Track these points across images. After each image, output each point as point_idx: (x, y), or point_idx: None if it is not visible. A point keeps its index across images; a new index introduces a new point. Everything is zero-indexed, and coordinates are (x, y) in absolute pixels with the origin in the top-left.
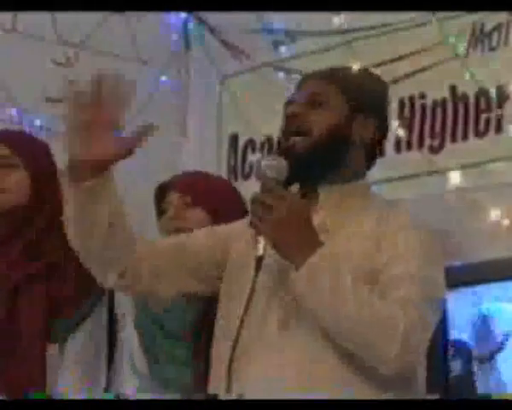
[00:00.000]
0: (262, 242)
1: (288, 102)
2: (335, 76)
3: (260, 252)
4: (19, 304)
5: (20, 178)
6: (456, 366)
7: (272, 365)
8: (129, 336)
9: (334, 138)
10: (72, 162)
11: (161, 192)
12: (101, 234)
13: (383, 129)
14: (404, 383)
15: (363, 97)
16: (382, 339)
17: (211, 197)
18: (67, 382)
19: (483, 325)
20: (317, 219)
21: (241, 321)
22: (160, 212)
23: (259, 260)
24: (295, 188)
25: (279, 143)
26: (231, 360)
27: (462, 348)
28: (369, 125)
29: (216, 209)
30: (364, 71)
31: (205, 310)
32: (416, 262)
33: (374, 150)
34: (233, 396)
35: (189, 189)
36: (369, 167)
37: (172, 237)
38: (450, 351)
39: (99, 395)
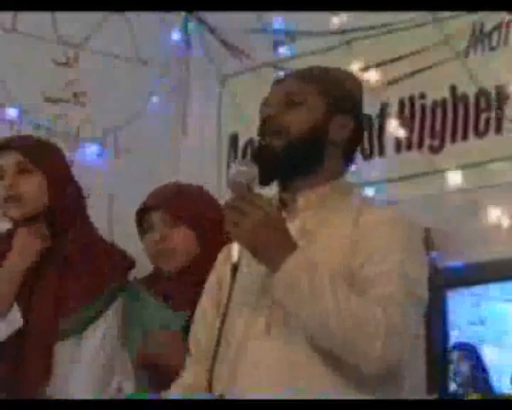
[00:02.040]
0: (236, 248)
1: (264, 104)
2: (312, 76)
3: (235, 259)
4: (32, 301)
5: (38, 181)
6: (464, 370)
7: (253, 371)
8: None
9: (312, 138)
10: None
11: (142, 212)
12: None
13: (359, 130)
14: (389, 382)
15: (341, 97)
16: (363, 340)
17: (194, 213)
18: (81, 380)
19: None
20: (296, 222)
21: (220, 330)
22: (142, 231)
23: (234, 267)
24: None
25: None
26: (211, 370)
27: (470, 351)
28: (347, 124)
29: (200, 225)
30: (341, 71)
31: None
32: (396, 259)
33: (351, 150)
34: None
35: (171, 207)
36: (346, 167)
37: (193, 344)
38: (457, 355)
39: (111, 395)
